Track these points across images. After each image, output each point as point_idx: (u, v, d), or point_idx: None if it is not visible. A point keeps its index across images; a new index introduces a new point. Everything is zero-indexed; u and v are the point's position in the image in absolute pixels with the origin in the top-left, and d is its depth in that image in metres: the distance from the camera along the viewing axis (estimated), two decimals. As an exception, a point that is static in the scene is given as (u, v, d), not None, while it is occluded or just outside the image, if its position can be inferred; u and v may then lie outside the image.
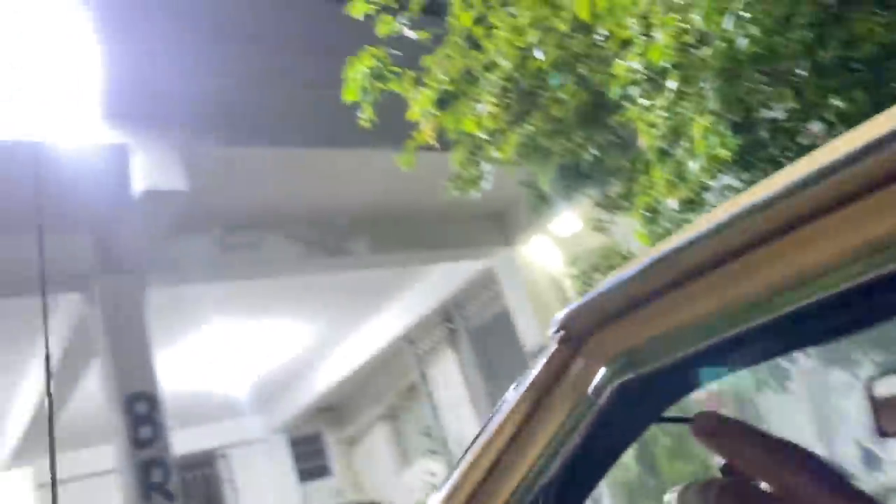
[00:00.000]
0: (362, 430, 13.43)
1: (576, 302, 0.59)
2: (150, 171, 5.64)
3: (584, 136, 4.30)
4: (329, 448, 14.01)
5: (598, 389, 0.55)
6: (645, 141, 2.88)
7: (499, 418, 0.62)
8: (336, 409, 13.57)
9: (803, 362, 5.56)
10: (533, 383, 0.60)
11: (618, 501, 6.85)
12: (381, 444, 13.03)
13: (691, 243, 0.51)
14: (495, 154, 4.09)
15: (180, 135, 5.80)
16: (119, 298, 6.29)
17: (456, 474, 0.63)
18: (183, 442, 11.44)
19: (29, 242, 5.36)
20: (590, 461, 0.58)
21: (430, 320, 10.61)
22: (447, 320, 10.80)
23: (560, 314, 0.60)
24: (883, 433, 1.12)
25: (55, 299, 7.14)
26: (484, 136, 4.09)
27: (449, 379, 10.97)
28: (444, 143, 4.59)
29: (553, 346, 0.59)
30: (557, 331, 0.59)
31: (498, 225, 8.78)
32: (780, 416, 6.18)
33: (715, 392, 5.89)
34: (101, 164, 5.70)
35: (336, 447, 13.94)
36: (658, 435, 6.35)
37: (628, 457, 6.63)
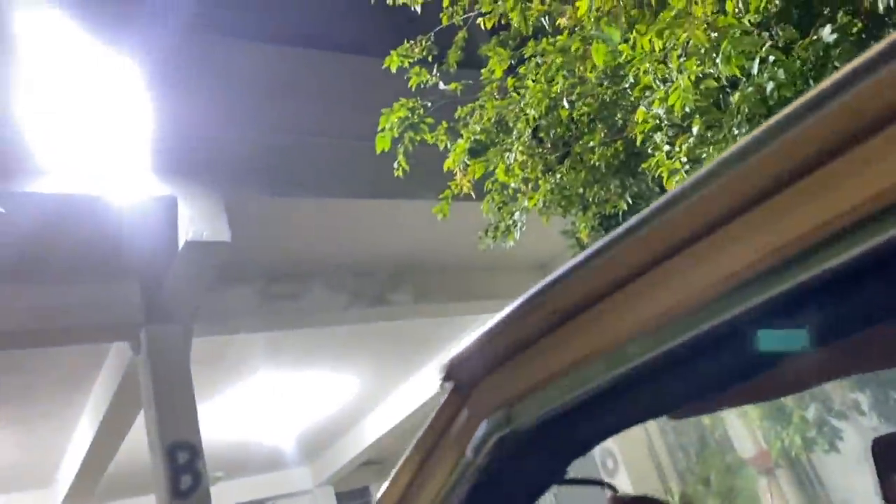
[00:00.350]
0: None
1: (459, 347, 0.54)
2: (194, 222, 5.78)
3: (619, 185, 4.24)
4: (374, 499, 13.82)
5: (477, 446, 0.50)
6: (668, 188, 2.81)
7: (394, 472, 0.57)
8: (383, 462, 13.43)
9: (863, 420, 5.27)
10: (422, 437, 0.55)
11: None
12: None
13: (561, 278, 0.47)
14: (527, 203, 4.06)
15: (224, 186, 5.94)
16: (165, 347, 6.38)
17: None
18: (232, 492, 11.49)
19: (80, 292, 5.54)
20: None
21: (477, 372, 10.48)
22: (494, 372, 10.64)
23: (446, 359, 0.55)
24: (888, 500, 1.02)
25: (106, 348, 7.31)
26: (515, 186, 4.07)
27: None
28: (484, 194, 4.59)
29: (444, 395, 0.55)
30: (445, 379, 0.54)
31: (542, 275, 8.66)
32: (839, 476, 5.84)
33: (764, 450, 5.62)
34: (151, 216, 5.87)
35: (383, 501, 13.74)
36: (705, 496, 6.06)
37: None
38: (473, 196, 4.47)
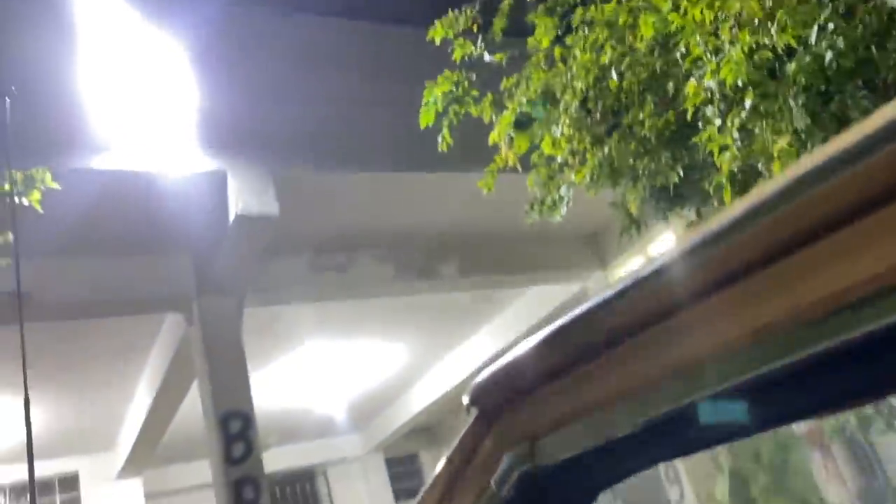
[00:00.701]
0: (445, 448, 13.36)
1: (487, 371, 0.52)
2: (243, 196, 5.85)
3: (670, 157, 4.12)
4: (425, 468, 14.04)
5: (501, 479, 0.48)
6: (719, 164, 2.72)
7: (423, 492, 0.56)
8: (431, 429, 13.59)
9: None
10: (448, 461, 0.53)
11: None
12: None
13: (593, 310, 0.44)
14: (574, 178, 3.98)
15: (271, 160, 5.99)
16: (217, 318, 6.52)
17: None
18: (285, 458, 11.79)
19: (134, 265, 5.67)
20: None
21: (524, 343, 10.47)
22: (542, 343, 10.61)
23: (473, 384, 0.53)
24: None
25: (160, 319, 7.51)
26: (562, 159, 4.00)
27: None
28: (531, 166, 4.52)
29: (469, 421, 0.53)
30: (470, 403, 0.52)
31: (592, 247, 8.58)
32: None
33: (816, 429, 5.49)
34: (201, 190, 5.97)
35: (432, 468, 13.94)
36: (756, 471, 5.97)
37: (721, 494, 6.28)
38: (520, 169, 4.42)
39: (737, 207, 0.41)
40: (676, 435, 0.43)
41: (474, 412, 0.53)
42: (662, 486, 7.59)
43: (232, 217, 5.92)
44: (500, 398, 0.50)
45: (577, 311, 0.46)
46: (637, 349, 0.43)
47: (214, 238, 6.24)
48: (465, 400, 0.53)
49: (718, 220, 0.42)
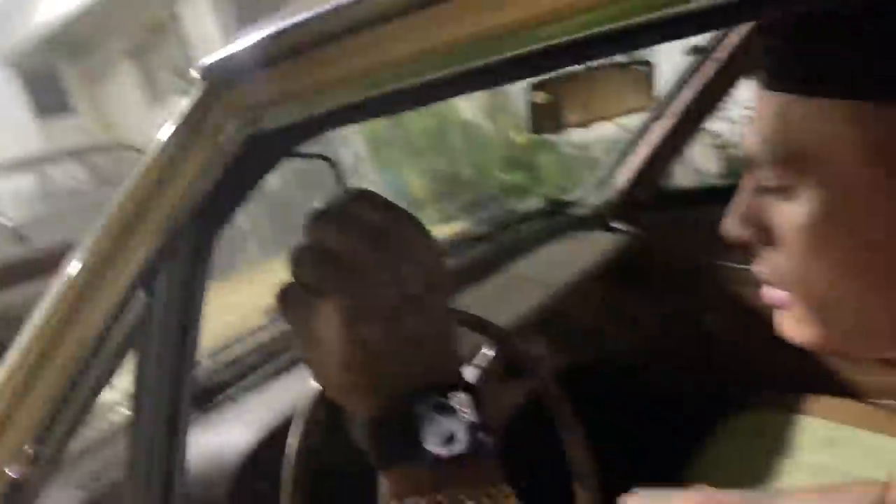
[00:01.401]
0: (105, 65, 12.42)
1: (219, 49, 0.60)
2: None
3: None
4: (68, 82, 12.91)
5: (229, 141, 0.60)
6: None
7: (147, 160, 0.65)
8: (73, 41, 12.31)
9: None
10: (177, 128, 0.63)
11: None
12: (128, 82, 12.25)
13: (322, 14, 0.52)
14: None
15: None
16: None
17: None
18: None
19: None
20: (225, 199, 0.65)
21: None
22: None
23: (202, 61, 0.61)
24: (534, 131, 1.32)
25: None
26: None
27: (200, 15, 10.23)
28: None
29: (197, 93, 0.62)
30: (200, 77, 0.61)
31: None
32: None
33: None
34: None
35: (77, 82, 12.88)
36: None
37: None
38: None
39: None
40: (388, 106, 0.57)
41: (204, 84, 0.62)
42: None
43: None
44: (231, 72, 0.60)
45: (319, 7, 0.53)
46: (362, 44, 0.53)
47: None
48: (194, 74, 0.62)
49: None
